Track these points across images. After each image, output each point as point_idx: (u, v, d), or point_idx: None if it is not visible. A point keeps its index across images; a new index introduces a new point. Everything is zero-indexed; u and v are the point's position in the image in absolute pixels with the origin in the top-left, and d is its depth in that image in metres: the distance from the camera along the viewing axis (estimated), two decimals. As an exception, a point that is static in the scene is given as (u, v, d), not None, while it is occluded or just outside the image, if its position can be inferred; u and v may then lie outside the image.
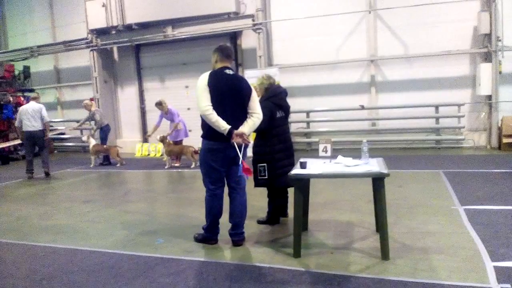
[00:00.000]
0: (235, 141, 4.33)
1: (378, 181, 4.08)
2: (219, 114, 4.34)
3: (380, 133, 12.40)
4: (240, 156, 4.39)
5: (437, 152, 11.07)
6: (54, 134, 15.62)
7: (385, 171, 4.07)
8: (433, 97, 11.51)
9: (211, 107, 4.33)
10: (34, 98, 10.62)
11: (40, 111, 10.08)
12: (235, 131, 4.31)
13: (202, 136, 4.58)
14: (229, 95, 4.44)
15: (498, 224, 4.96)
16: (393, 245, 4.27)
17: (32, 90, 15.79)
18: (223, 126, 4.30)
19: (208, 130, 4.45)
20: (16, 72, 15.63)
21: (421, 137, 11.83)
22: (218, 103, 4.37)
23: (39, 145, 10.33)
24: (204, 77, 4.45)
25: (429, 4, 11.02)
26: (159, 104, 10.78)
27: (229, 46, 4.76)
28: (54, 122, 16.38)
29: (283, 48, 13.01)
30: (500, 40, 10.67)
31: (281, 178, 5.06)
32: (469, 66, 11.36)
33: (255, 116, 4.56)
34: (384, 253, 4.07)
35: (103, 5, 13.60)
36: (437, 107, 11.46)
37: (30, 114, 10.01)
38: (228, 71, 4.56)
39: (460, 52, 11.26)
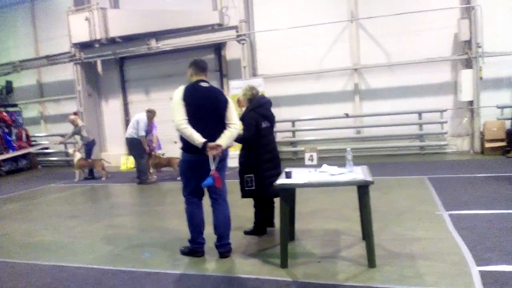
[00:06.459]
0: (210, 153, 4.35)
1: (362, 188, 4.11)
2: (196, 127, 4.37)
3: (365, 140, 12.49)
4: (212, 167, 4.39)
5: (421, 158, 11.18)
6: (39, 149, 15.45)
7: (369, 178, 4.09)
8: (416, 103, 11.65)
9: (186, 121, 4.38)
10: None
11: (137, 121, 10.14)
12: (209, 144, 4.34)
13: (181, 148, 4.63)
14: (205, 107, 4.48)
15: (483, 228, 5.01)
16: (379, 252, 4.29)
17: (15, 105, 15.67)
18: (197, 139, 4.33)
19: (186, 143, 4.49)
20: (-2, 87, 15.48)
21: (405, 144, 11.95)
22: (194, 116, 4.42)
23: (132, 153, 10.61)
24: (179, 91, 4.49)
25: (410, 13, 11.18)
26: (151, 112, 10.59)
27: (203, 60, 4.80)
28: (38, 136, 16.24)
29: (267, 59, 13.08)
30: (480, 47, 10.86)
31: (269, 188, 5.05)
32: (451, 73, 11.54)
33: (233, 127, 4.60)
34: (371, 261, 4.08)
35: (86, 19, 13.55)
36: (420, 113, 11.60)
37: (131, 122, 10.38)
38: (203, 84, 4.60)
39: (441, 59, 11.44)
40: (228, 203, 4.80)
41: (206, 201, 4.77)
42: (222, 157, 4.56)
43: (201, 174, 4.48)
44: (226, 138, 4.53)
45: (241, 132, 5.14)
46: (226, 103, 4.61)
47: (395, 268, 4.04)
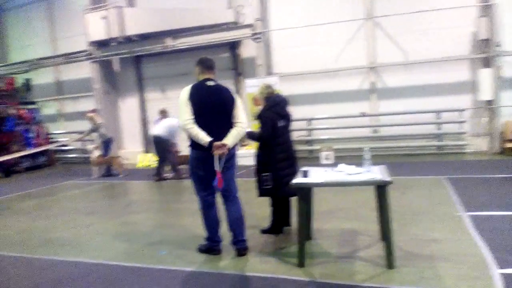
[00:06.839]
0: (216, 153, 4.35)
1: (381, 188, 4.06)
2: (202, 125, 4.39)
3: (382, 139, 12.38)
4: (217, 168, 4.38)
5: (439, 158, 11.04)
6: (57, 146, 15.63)
7: (387, 178, 4.04)
8: (434, 103, 11.51)
9: (192, 121, 4.40)
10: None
11: (172, 125, 10.31)
12: (215, 143, 4.34)
13: (190, 145, 4.63)
14: (211, 106, 4.48)
15: (504, 230, 4.93)
16: (398, 253, 4.24)
17: (33, 103, 15.89)
18: (203, 139, 4.35)
19: (194, 140, 4.49)
20: (17, 85, 15.68)
21: (423, 143, 11.82)
22: (201, 115, 4.43)
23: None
24: (185, 91, 4.51)
25: (428, 11, 11.06)
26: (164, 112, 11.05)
27: (210, 58, 4.79)
28: (56, 134, 16.45)
29: (282, 57, 13.05)
30: (499, 45, 10.69)
31: (285, 187, 5.01)
32: (469, 72, 11.37)
33: (239, 125, 4.60)
34: (389, 262, 4.03)
35: (103, 17, 13.67)
36: (438, 112, 11.45)
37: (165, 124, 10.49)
38: (209, 83, 4.60)
39: (459, 57, 11.28)
40: (239, 199, 4.79)
41: (219, 199, 4.77)
42: (230, 156, 4.55)
43: (210, 171, 4.48)
44: (232, 137, 4.52)
45: (257, 130, 5.14)
46: (233, 102, 4.62)
47: (414, 269, 3.98)
